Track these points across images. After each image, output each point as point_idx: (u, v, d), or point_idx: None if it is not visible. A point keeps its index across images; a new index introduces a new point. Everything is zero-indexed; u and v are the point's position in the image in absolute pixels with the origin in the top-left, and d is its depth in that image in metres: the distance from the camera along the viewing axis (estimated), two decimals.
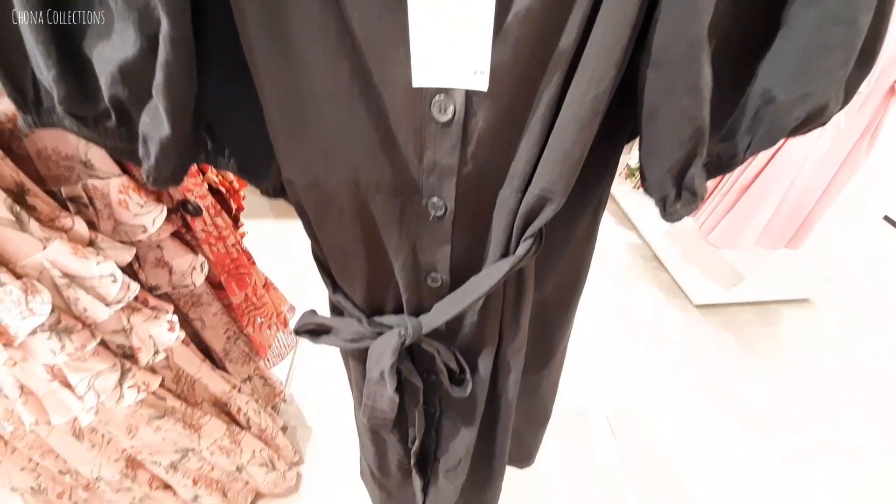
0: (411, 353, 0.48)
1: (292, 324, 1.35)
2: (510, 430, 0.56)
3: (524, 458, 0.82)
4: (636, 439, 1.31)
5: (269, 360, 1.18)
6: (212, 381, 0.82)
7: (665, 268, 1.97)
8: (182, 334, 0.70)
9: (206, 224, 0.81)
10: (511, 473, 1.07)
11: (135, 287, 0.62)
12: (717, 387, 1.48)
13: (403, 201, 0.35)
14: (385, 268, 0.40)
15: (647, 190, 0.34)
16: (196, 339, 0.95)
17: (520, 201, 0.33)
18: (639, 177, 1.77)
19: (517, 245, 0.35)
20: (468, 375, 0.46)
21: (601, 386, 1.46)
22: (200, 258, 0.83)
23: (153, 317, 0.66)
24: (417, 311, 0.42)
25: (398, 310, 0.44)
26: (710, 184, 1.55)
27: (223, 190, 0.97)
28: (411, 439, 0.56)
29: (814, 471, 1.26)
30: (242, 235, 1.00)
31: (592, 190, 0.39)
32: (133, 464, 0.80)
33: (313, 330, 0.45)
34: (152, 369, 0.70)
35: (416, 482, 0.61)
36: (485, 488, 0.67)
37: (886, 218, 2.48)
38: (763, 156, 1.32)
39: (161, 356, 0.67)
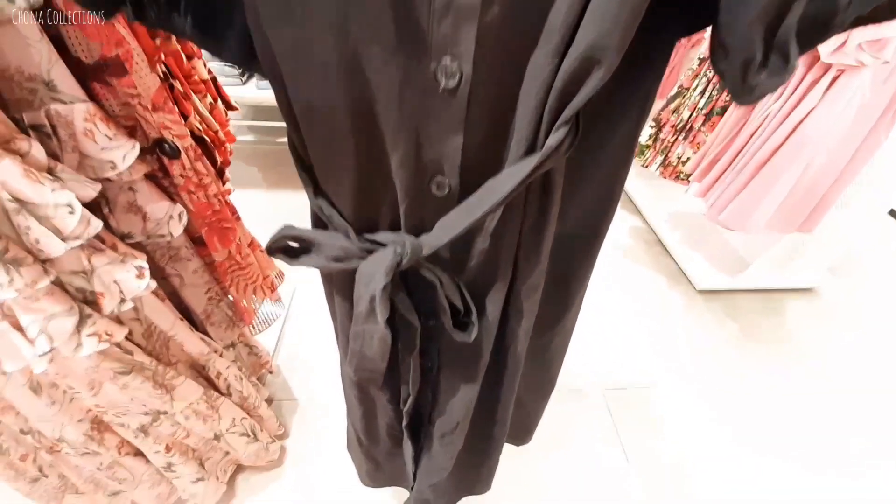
0: (407, 286, 0.41)
1: (282, 292, 1.29)
2: (515, 390, 0.50)
3: (522, 432, 0.77)
4: (633, 420, 1.27)
5: (254, 328, 1.11)
6: (188, 341, 0.75)
7: (669, 253, 1.92)
8: (153, 283, 0.64)
9: (184, 168, 0.74)
10: (504, 450, 1.02)
11: (96, 223, 0.55)
12: (718, 372, 1.44)
13: (406, 62, 0.27)
14: (380, 164, 0.33)
15: (722, 55, 0.26)
16: (175, 300, 0.88)
17: (557, 68, 0.26)
18: (648, 157, 1.70)
19: (546, 136, 0.28)
20: (474, 317, 0.40)
21: (599, 366, 1.42)
22: (179, 207, 0.77)
23: (119, 260, 0.60)
24: (418, 230, 0.35)
25: (394, 227, 0.37)
26: (721, 164, 1.50)
27: (207, 140, 0.90)
28: (404, 398, 0.50)
29: (814, 459, 1.22)
30: (228, 192, 0.93)
31: (639, 82, 0.32)
32: (99, 426, 0.73)
33: (290, 248, 0.38)
34: (118, 320, 0.63)
35: (408, 449, 0.55)
36: (481, 461, 0.61)
37: (892, 212, 2.44)
38: (781, 131, 1.26)
39: (128, 305, 0.60)
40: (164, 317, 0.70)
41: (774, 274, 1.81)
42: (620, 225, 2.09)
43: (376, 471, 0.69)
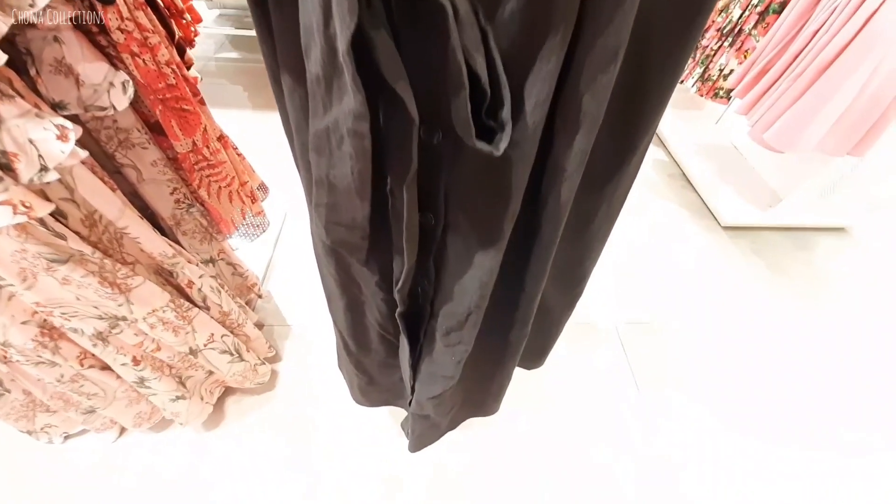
0: (394, 27, 0.24)
1: (272, 217, 1.17)
2: (546, 273, 0.38)
3: (538, 350, 0.67)
4: (647, 355, 1.19)
5: (233, 241, 1.00)
6: (147, 240, 0.64)
7: (693, 187, 1.77)
8: (83, 153, 0.51)
9: (122, 19, 0.59)
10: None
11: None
12: (740, 309, 1.34)
13: None
14: None
15: None
16: (138, 202, 0.76)
17: None
18: (686, 70, 1.50)
19: None
20: (506, 108, 0.25)
21: (613, 301, 1.32)
22: (122, 75, 0.62)
23: (33, 114, 0.46)
24: None
25: None
26: (772, 74, 1.30)
27: (160, 4, 0.73)
28: (396, 277, 0.38)
29: (841, 398, 1.14)
30: (188, 65, 0.78)
31: None
32: (51, 332, 0.64)
33: None
34: (44, 195, 0.51)
35: (404, 351, 0.44)
36: (493, 373, 0.50)
37: None
38: (849, 28, 1.06)
39: (51, 176, 0.48)
40: (109, 204, 0.58)
41: (807, 211, 1.67)
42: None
43: (369, 385, 0.60)
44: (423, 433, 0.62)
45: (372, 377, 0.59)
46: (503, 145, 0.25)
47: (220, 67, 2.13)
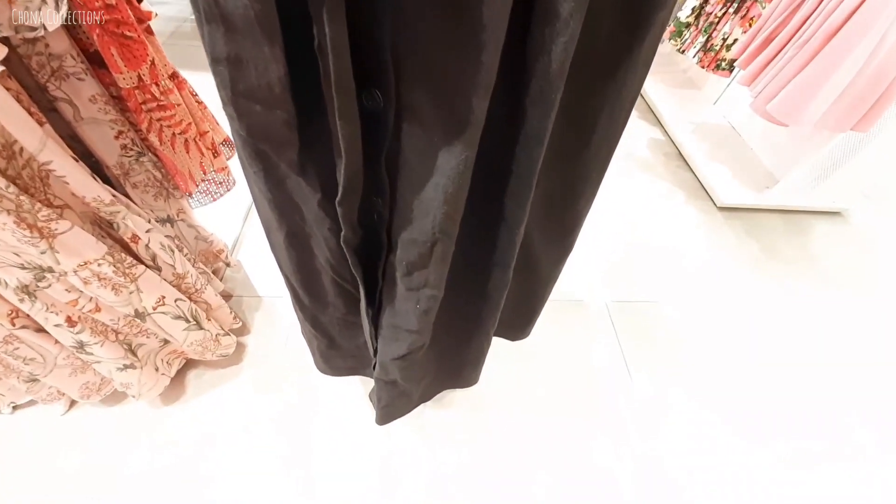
0: None
1: (235, 166, 1.08)
2: (534, 183, 0.31)
3: (523, 317, 0.60)
4: (636, 332, 1.14)
5: (194, 200, 0.92)
6: (75, 179, 0.56)
7: (689, 167, 1.72)
8: None
9: None
10: (497, 349, 0.88)
11: None
12: (733, 291, 1.30)
13: None
14: None
15: None
16: (78, 148, 0.67)
17: None
18: (687, 38, 1.43)
19: None
20: None
21: (604, 278, 1.27)
22: None
23: None
24: None
25: None
26: (777, 42, 1.24)
27: None
28: (340, 174, 0.29)
29: (826, 381, 1.11)
30: (149, 14, 0.69)
31: None
32: None
33: None
34: None
35: (362, 299, 0.37)
36: (469, 333, 0.43)
37: None
38: (847, 4, 1.00)
39: None
40: (29, 133, 0.50)
41: (803, 194, 1.63)
42: (639, 136, 1.86)
43: (329, 349, 0.53)
44: (390, 403, 0.56)
45: (332, 338, 0.51)
46: None
47: (195, 29, 2.01)
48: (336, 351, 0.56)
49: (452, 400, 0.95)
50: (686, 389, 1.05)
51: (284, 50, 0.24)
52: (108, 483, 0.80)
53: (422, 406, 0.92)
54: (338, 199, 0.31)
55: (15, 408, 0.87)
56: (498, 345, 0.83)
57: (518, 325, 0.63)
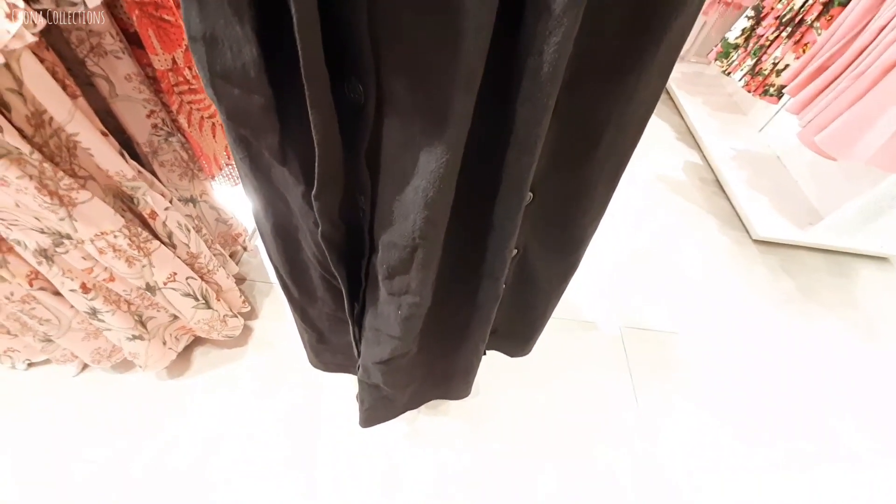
0: None
1: None
2: (526, 188, 0.29)
3: (524, 333, 0.58)
4: (650, 364, 1.08)
5: (219, 181, 0.94)
6: (100, 152, 0.58)
7: (725, 194, 1.64)
8: (31, 37, 0.45)
9: None
10: (502, 366, 0.86)
11: None
12: (762, 330, 1.22)
13: None
14: None
15: None
16: (112, 122, 0.70)
17: None
18: (734, 60, 1.36)
19: None
20: None
21: (621, 303, 1.21)
22: None
23: None
24: None
25: None
26: (831, 71, 1.16)
27: None
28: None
29: (863, 436, 1.02)
30: None
31: None
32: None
33: None
34: None
35: (346, 297, 0.36)
36: (458, 343, 0.42)
37: None
38: None
39: None
40: (59, 104, 0.52)
41: (849, 234, 1.52)
42: (675, 157, 1.79)
43: (319, 343, 0.53)
44: (373, 406, 0.54)
45: (321, 333, 0.51)
46: None
47: None
48: (325, 346, 0.55)
49: (454, 405, 0.94)
50: (696, 429, 0.99)
51: (257, 30, 0.23)
52: (106, 452, 0.83)
53: (424, 409, 0.91)
54: (313, 192, 0.30)
55: (30, 365, 0.91)
56: (498, 357, 0.81)
57: (517, 339, 0.61)
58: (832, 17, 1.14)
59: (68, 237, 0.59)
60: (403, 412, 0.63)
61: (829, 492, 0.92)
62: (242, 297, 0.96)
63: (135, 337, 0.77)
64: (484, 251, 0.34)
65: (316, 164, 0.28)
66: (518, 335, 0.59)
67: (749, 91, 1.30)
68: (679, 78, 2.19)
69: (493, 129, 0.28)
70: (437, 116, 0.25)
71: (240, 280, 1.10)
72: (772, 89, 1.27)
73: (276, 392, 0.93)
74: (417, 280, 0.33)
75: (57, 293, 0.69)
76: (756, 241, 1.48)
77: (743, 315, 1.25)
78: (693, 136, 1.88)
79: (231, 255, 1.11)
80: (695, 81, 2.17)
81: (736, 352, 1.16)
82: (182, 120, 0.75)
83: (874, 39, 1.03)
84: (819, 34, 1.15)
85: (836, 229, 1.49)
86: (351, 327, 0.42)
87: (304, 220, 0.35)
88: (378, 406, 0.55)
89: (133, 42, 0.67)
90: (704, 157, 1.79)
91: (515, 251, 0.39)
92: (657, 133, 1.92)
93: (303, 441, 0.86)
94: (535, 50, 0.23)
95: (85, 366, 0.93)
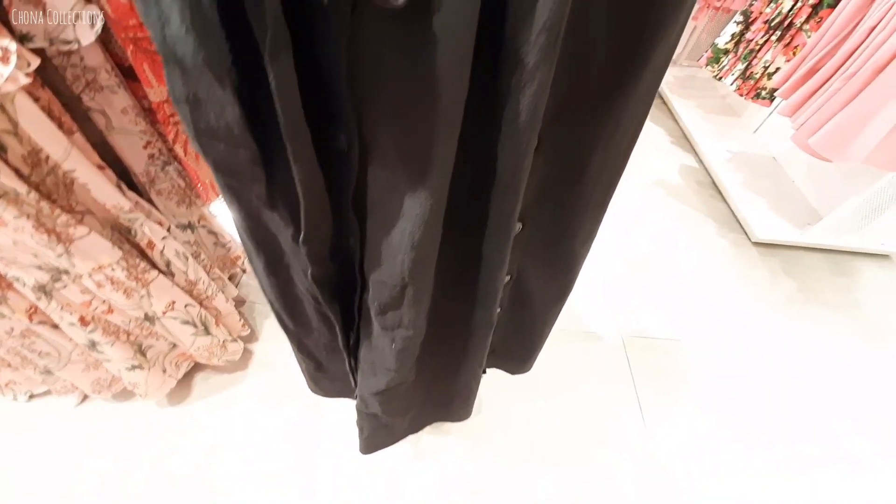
0: None
1: None
2: (512, 224, 0.29)
3: (523, 351, 0.58)
4: (654, 372, 1.08)
5: (216, 205, 0.94)
6: (97, 187, 0.58)
7: (723, 197, 1.64)
8: (24, 79, 0.45)
9: None
10: (504, 379, 0.86)
11: None
12: (765, 333, 1.21)
13: None
14: None
15: None
16: (108, 154, 0.71)
17: None
18: (725, 65, 1.37)
19: None
20: None
21: (623, 312, 1.21)
22: (93, 7, 0.56)
23: None
24: None
25: None
26: (822, 73, 1.17)
27: None
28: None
29: (867, 436, 1.01)
30: None
31: None
32: None
33: None
34: None
35: (341, 332, 0.37)
36: (457, 367, 0.42)
37: None
38: None
39: None
40: (54, 142, 0.53)
41: (849, 233, 1.51)
42: (670, 162, 1.79)
43: (318, 371, 0.53)
44: (372, 434, 0.54)
45: (319, 362, 0.51)
46: None
47: None
48: (324, 374, 0.55)
49: None
50: (701, 435, 0.98)
51: (239, 91, 0.24)
52: (110, 480, 0.82)
53: None
54: (301, 238, 0.30)
55: (31, 396, 0.91)
56: (499, 371, 0.81)
57: (517, 358, 0.61)
58: (821, 18, 1.15)
59: (66, 272, 0.59)
60: (406, 436, 0.63)
61: (830, 494, 0.91)
62: (242, 321, 0.96)
63: (134, 367, 0.77)
64: (475, 282, 0.35)
65: (302, 215, 0.28)
66: (517, 354, 0.59)
67: (741, 95, 1.31)
68: (672, 82, 2.20)
69: (477, 171, 0.28)
70: (420, 164, 0.26)
71: (239, 303, 1.10)
72: (764, 92, 1.27)
73: (277, 414, 0.92)
74: (410, 315, 0.33)
75: (56, 326, 0.69)
76: (756, 244, 1.48)
77: (744, 318, 1.25)
78: (688, 140, 1.89)
79: (230, 278, 1.11)
80: (687, 85, 2.18)
81: (738, 356, 1.15)
82: (178, 149, 0.75)
83: (865, 40, 1.04)
84: (809, 37, 1.16)
85: (835, 229, 1.49)
86: (346, 359, 0.42)
87: (295, 260, 0.35)
88: (378, 434, 0.55)
89: (128, 75, 0.68)
90: (700, 160, 1.80)
91: (509, 276, 0.39)
92: (652, 138, 1.93)
93: (304, 460, 0.85)
94: (512, 99, 0.24)
95: (86, 396, 0.93)
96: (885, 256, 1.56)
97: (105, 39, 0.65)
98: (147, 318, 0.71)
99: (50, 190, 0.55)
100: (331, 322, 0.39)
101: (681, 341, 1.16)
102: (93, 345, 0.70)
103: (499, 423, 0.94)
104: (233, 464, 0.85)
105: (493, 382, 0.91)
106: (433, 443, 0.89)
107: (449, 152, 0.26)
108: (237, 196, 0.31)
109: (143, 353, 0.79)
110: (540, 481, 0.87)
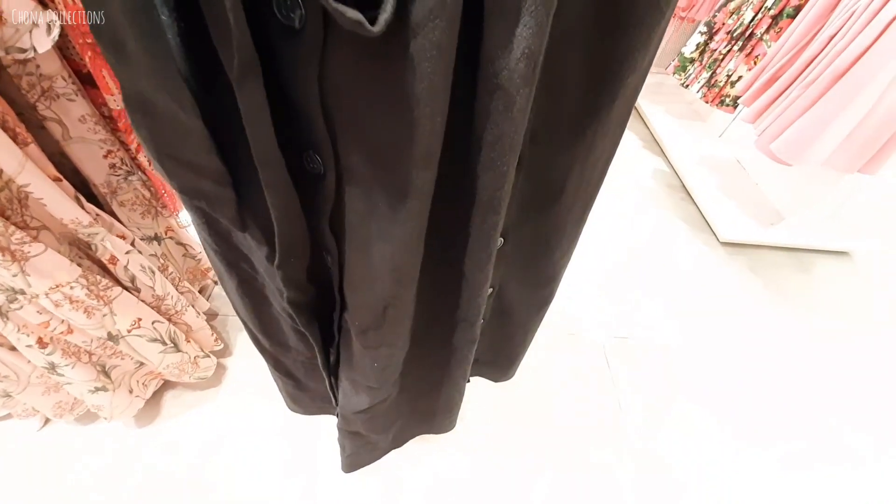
0: None
1: None
2: (493, 245, 0.29)
3: (505, 360, 0.57)
4: (633, 372, 1.10)
5: (184, 215, 0.91)
6: (53, 201, 0.55)
7: (693, 199, 1.69)
8: None
9: None
10: (485, 390, 0.85)
11: None
12: (734, 329, 1.26)
13: None
14: None
15: None
16: (67, 164, 0.67)
17: None
18: (691, 73, 1.42)
19: None
20: None
21: (601, 314, 1.23)
22: (50, 14, 0.53)
23: None
24: None
25: None
26: (782, 81, 1.23)
27: None
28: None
29: (834, 421, 1.06)
30: None
31: None
32: None
33: None
34: None
35: (315, 338, 0.35)
36: (440, 382, 0.41)
37: None
38: (868, 33, 0.99)
39: None
40: (8, 155, 0.49)
41: (809, 231, 1.59)
42: (642, 166, 1.84)
43: (297, 390, 0.51)
44: (355, 452, 0.53)
45: (298, 380, 0.50)
46: (384, 19, 0.16)
47: None
48: (304, 393, 0.54)
49: None
50: (680, 430, 1.00)
51: (205, 120, 0.23)
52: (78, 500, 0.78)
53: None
54: (276, 262, 0.29)
55: None
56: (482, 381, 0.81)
57: (499, 367, 0.61)
58: (781, 28, 1.20)
59: (22, 292, 0.55)
60: (389, 451, 0.61)
61: (829, 492, 0.95)
62: (214, 335, 0.93)
63: (98, 389, 0.73)
64: (458, 299, 0.34)
65: (276, 240, 0.27)
66: (499, 363, 0.59)
67: (707, 102, 1.36)
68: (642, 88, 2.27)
69: (457, 193, 0.28)
70: (398, 190, 0.25)
71: (211, 316, 1.06)
72: (727, 100, 1.33)
73: (252, 431, 0.89)
74: (392, 334, 0.33)
75: (13, 349, 0.65)
76: (724, 244, 1.54)
77: (716, 316, 1.29)
78: (659, 144, 1.95)
79: (201, 291, 1.08)
80: (657, 91, 2.25)
81: (715, 354, 1.19)
82: (142, 158, 0.72)
83: (824, 48, 1.09)
84: (769, 46, 1.21)
85: (797, 228, 1.57)
86: (326, 379, 0.41)
87: (270, 281, 0.34)
88: (361, 452, 0.53)
89: (87, 82, 0.65)
90: (670, 163, 1.85)
91: (491, 289, 0.39)
92: (624, 142, 1.97)
93: (282, 479, 0.83)
94: (492, 123, 0.24)
95: (48, 420, 0.87)
96: (843, 253, 1.65)
97: (62, 45, 0.62)
98: (111, 337, 0.67)
99: (3, 206, 0.51)
100: (309, 341, 0.38)
101: (658, 339, 1.19)
102: (52, 367, 0.66)
103: (497, 426, 0.94)
104: (207, 485, 0.81)
105: (489, 384, 0.91)
106: (432, 443, 0.88)
107: (429, 180, 0.26)
108: (206, 217, 0.29)
109: (108, 374, 0.75)
110: (536, 482, 0.87)
